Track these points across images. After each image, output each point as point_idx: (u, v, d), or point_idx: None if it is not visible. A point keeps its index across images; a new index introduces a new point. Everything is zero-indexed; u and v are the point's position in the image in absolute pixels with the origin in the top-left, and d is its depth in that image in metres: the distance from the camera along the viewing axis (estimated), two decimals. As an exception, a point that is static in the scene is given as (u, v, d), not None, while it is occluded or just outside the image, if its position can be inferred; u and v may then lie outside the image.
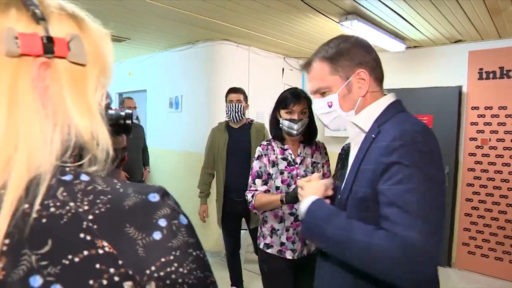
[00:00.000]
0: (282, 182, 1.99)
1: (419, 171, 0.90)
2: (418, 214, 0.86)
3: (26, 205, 0.42)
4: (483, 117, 3.88)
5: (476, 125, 3.92)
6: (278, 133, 2.04)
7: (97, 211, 0.43)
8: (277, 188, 1.99)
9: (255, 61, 4.51)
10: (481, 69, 3.88)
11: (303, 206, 1.11)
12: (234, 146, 3.02)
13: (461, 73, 4.00)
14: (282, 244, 1.97)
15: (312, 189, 1.17)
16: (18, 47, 0.43)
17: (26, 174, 0.42)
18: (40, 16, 0.45)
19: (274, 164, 2.02)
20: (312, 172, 2.00)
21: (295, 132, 1.94)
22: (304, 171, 2.02)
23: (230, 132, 3.06)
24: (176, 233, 0.46)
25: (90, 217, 0.43)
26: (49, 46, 0.45)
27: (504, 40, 3.75)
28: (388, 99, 1.11)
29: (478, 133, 3.92)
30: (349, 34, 1.19)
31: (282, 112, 1.98)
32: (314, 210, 1.07)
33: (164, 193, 0.49)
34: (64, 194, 0.44)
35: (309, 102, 1.98)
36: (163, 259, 0.44)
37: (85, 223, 0.42)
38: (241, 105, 2.98)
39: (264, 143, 2.07)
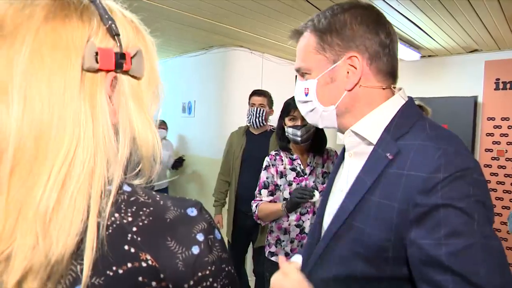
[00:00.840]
0: (290, 194, 1.89)
1: (478, 216, 0.64)
2: (488, 286, 0.61)
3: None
4: (500, 128, 3.80)
5: (492, 136, 3.85)
6: (283, 144, 1.98)
7: (140, 223, 0.43)
8: (285, 199, 1.90)
9: (268, 67, 4.52)
10: (497, 79, 3.81)
11: None
12: (250, 154, 2.77)
13: (476, 83, 3.94)
14: (286, 254, 1.92)
15: None
16: (97, 62, 0.43)
17: (102, 187, 0.42)
18: (116, 31, 0.45)
19: (282, 175, 1.94)
20: (323, 183, 1.92)
21: (299, 138, 1.84)
22: (313, 182, 1.93)
23: (248, 138, 2.83)
24: (211, 248, 0.47)
25: (134, 229, 0.43)
26: (121, 62, 0.45)
27: (522, 50, 3.68)
28: (399, 99, 0.82)
29: (494, 144, 3.84)
30: (364, 1, 0.85)
31: (286, 120, 1.92)
32: None
33: (201, 208, 0.49)
34: (109, 204, 0.43)
35: None
36: (200, 274, 0.45)
37: (129, 235, 0.42)
38: (263, 110, 2.73)
39: (273, 153, 2.00)
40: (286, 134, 1.92)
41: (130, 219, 0.43)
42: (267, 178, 1.95)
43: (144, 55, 0.50)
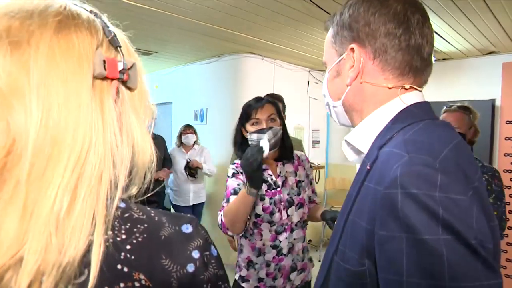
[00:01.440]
0: (264, 210, 1.56)
1: (447, 251, 0.49)
2: None
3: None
4: (519, 131, 3.70)
5: (512, 140, 3.75)
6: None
7: (134, 241, 0.43)
8: (257, 216, 1.57)
9: (280, 74, 4.51)
10: (516, 81, 3.72)
11: None
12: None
13: (494, 85, 3.85)
14: (260, 280, 1.59)
15: None
16: (105, 70, 0.44)
17: (109, 191, 0.43)
18: (118, 43, 0.47)
19: None
20: (298, 194, 1.65)
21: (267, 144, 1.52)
22: (288, 194, 1.62)
23: None
24: (207, 265, 0.47)
25: (128, 247, 0.43)
26: (123, 71, 0.47)
27: (541, 51, 3.59)
28: (398, 104, 0.69)
29: (513, 148, 3.73)
30: None
31: (248, 126, 1.60)
32: None
33: (196, 224, 0.49)
34: (114, 207, 0.43)
35: (276, 107, 1.63)
36: None
37: (123, 254, 0.42)
38: None
39: (238, 161, 1.66)
40: (250, 142, 1.59)
41: (124, 236, 0.43)
42: (238, 185, 1.60)
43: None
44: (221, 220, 1.53)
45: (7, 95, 0.38)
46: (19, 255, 0.36)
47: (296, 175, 1.69)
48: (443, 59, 4.14)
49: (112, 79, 0.46)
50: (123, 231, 0.43)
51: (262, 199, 1.59)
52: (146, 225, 0.45)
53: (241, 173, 1.64)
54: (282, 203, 1.60)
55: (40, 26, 0.41)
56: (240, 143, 1.66)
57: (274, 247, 1.58)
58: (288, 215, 1.60)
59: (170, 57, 4.52)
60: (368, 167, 0.64)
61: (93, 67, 0.43)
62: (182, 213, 0.52)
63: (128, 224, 0.44)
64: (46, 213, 0.37)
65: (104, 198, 0.41)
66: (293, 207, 1.62)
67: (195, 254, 0.46)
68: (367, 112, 0.72)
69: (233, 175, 1.65)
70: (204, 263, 0.46)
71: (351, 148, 0.76)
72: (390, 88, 0.69)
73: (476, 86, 3.99)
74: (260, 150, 1.43)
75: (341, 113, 0.79)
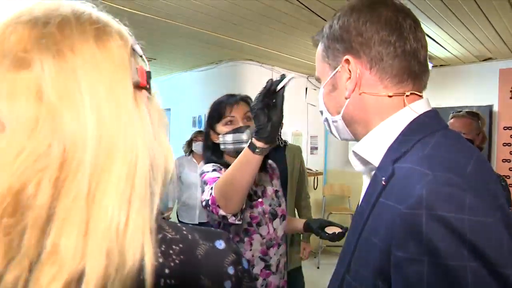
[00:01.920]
0: (252, 218, 1.36)
1: (472, 278, 0.46)
2: None
3: None
4: (517, 137, 3.71)
5: (509, 146, 3.75)
6: (222, 161, 1.39)
7: (172, 264, 0.43)
8: (250, 225, 1.37)
9: (278, 80, 4.52)
10: (513, 87, 3.74)
11: None
12: None
13: (491, 92, 3.87)
14: None
15: None
16: (139, 78, 0.44)
17: (150, 201, 0.41)
18: (141, 51, 0.47)
19: None
20: (279, 205, 1.47)
21: (246, 145, 1.18)
22: (270, 205, 1.43)
23: None
24: (241, 280, 0.46)
25: (167, 271, 0.42)
26: (149, 79, 0.46)
27: (537, 58, 3.61)
28: (408, 113, 0.67)
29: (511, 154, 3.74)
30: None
31: (219, 126, 1.38)
32: None
33: (228, 238, 0.49)
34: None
35: (250, 105, 1.39)
36: None
37: (162, 280, 0.41)
38: None
39: (215, 165, 1.41)
40: (223, 147, 1.38)
41: (161, 260, 0.42)
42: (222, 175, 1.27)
43: None
44: (210, 194, 1.18)
45: (57, 105, 0.36)
46: (79, 269, 0.34)
47: (272, 185, 1.52)
48: (440, 65, 4.16)
49: (142, 87, 0.45)
50: (159, 254, 0.42)
51: (251, 207, 1.39)
52: (181, 246, 0.44)
53: (224, 170, 1.36)
54: (266, 215, 1.41)
55: (80, 34, 0.40)
56: (213, 148, 1.43)
57: (263, 260, 1.40)
58: (274, 229, 1.43)
59: (168, 64, 4.53)
60: (383, 183, 0.60)
61: (131, 75, 0.42)
62: (212, 228, 0.51)
63: (163, 246, 0.43)
64: (104, 226, 0.36)
65: (150, 207, 0.40)
66: (278, 219, 1.45)
67: (231, 270, 0.45)
68: (373, 122, 0.70)
69: (213, 170, 1.36)
70: (238, 278, 0.45)
71: (358, 158, 0.73)
72: (390, 96, 0.68)
73: (473, 92, 4.01)
74: (283, 76, 1.13)
75: (342, 128, 0.77)
